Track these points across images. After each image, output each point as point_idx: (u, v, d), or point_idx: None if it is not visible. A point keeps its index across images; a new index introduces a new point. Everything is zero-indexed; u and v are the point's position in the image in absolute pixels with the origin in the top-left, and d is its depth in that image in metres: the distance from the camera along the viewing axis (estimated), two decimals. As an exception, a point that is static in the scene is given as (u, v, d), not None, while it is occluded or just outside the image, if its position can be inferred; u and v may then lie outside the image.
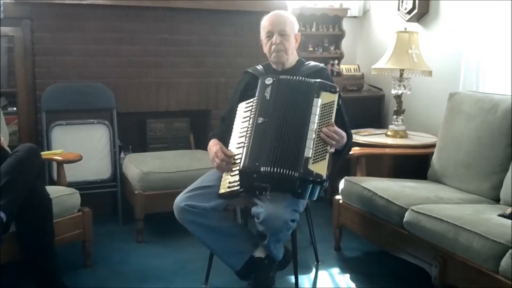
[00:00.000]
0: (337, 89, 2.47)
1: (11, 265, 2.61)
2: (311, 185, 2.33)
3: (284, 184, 2.35)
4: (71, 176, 3.28)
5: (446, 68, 3.85)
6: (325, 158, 2.35)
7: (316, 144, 2.35)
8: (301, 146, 2.33)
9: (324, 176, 2.30)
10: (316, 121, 2.37)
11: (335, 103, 2.45)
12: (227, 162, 2.47)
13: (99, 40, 3.70)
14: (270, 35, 2.66)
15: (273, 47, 2.65)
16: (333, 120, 2.42)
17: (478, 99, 3.15)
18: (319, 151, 2.35)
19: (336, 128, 2.40)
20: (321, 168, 2.32)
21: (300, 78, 2.49)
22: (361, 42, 4.84)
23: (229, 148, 2.53)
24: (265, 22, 2.71)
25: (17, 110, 3.59)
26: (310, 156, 2.31)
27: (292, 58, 2.74)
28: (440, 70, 3.83)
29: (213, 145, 2.58)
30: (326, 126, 2.38)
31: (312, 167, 2.30)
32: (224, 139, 2.60)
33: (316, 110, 2.39)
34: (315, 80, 2.48)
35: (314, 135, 2.35)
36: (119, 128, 3.77)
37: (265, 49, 2.73)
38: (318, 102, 2.40)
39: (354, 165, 3.49)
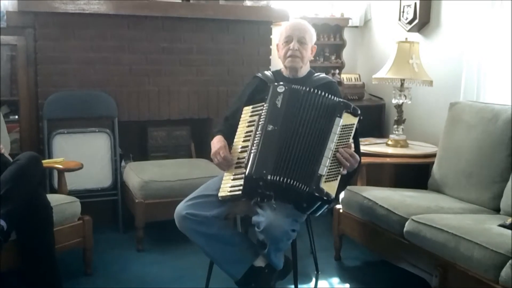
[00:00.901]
0: (359, 112, 2.43)
1: (11, 273, 2.62)
2: (319, 203, 2.32)
3: (288, 195, 2.35)
4: (72, 184, 3.29)
5: (446, 78, 3.85)
6: (336, 179, 2.35)
7: (331, 163, 2.34)
8: (316, 162, 2.32)
9: (333, 196, 2.31)
10: (335, 141, 2.35)
11: (355, 126, 2.43)
12: (227, 161, 2.47)
13: (100, 48, 3.72)
14: (289, 40, 2.66)
15: (289, 52, 2.65)
16: (350, 142, 2.42)
17: (479, 109, 3.15)
18: (333, 171, 2.34)
19: (352, 151, 2.40)
20: (331, 188, 2.32)
21: (315, 90, 2.46)
22: (362, 51, 4.86)
23: (232, 150, 2.53)
24: (285, 28, 2.72)
25: (19, 118, 3.60)
26: (324, 174, 2.31)
27: (305, 68, 2.74)
28: (441, 79, 3.84)
29: (217, 141, 2.56)
30: (343, 148, 2.37)
31: (324, 185, 2.30)
32: (227, 139, 2.59)
33: (337, 130, 2.36)
34: (339, 99, 2.46)
35: (330, 154, 2.34)
36: (120, 136, 3.78)
37: (280, 54, 2.72)
38: (340, 122, 2.37)
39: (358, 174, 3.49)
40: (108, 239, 3.56)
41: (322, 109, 2.41)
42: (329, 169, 2.33)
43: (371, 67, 4.47)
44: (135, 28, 3.79)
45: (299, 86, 2.48)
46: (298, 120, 2.40)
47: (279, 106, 2.43)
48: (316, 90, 2.45)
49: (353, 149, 2.43)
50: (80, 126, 3.67)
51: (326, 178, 2.31)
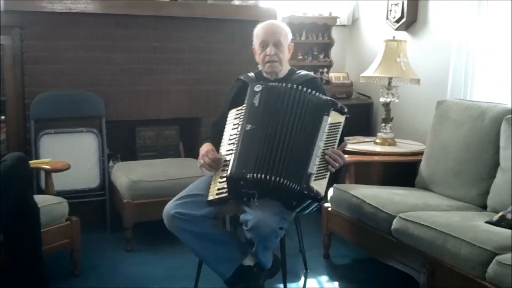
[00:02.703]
0: (346, 110, 2.46)
1: (-2, 274, 2.60)
2: (309, 201, 2.34)
3: (278, 193, 2.36)
4: (59, 185, 3.27)
5: (434, 76, 3.88)
6: (325, 177, 2.37)
7: (319, 162, 2.35)
8: (306, 161, 2.34)
9: (322, 194, 2.32)
10: (324, 139, 2.37)
11: (342, 125, 2.45)
12: (215, 163, 2.47)
13: (89, 47, 3.70)
14: (264, 45, 2.66)
15: (267, 57, 2.65)
16: (337, 141, 2.43)
17: (465, 106, 3.17)
18: (322, 170, 2.36)
19: (340, 152, 2.41)
20: (321, 186, 2.33)
21: (293, 86, 2.48)
22: (350, 50, 4.87)
23: (219, 153, 2.53)
24: (259, 31, 2.71)
25: (6, 118, 3.57)
26: (313, 172, 2.32)
27: (285, 67, 2.75)
28: (428, 78, 3.86)
29: (205, 146, 2.59)
30: (331, 147, 2.38)
31: (314, 184, 2.31)
32: (216, 145, 2.60)
33: (325, 128, 2.39)
34: (327, 97, 2.48)
35: (320, 153, 2.35)
36: (108, 136, 3.76)
37: (258, 58, 2.73)
38: (328, 120, 2.40)
39: (343, 173, 3.50)
40: (96, 239, 3.54)
41: (309, 107, 2.43)
42: (318, 167, 2.34)
43: (359, 66, 4.49)
44: (124, 28, 3.77)
45: (278, 83, 2.50)
46: (280, 116, 2.41)
47: (256, 105, 2.45)
48: (298, 87, 2.47)
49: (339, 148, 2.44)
50: (68, 126, 3.65)
51: (315, 177, 2.32)
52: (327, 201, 3.23)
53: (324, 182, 2.36)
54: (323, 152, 2.37)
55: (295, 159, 2.35)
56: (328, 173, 2.38)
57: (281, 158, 2.35)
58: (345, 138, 3.85)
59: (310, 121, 2.40)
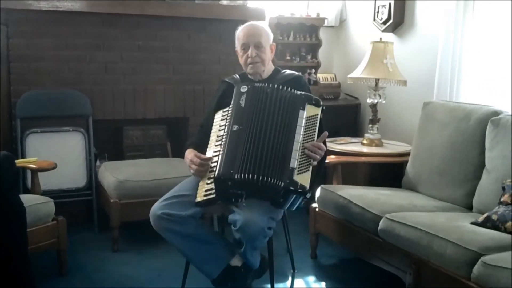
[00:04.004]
0: (321, 103, 2.51)
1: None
2: (294, 196, 2.35)
3: (264, 192, 2.37)
4: (46, 185, 3.25)
5: (420, 78, 3.91)
6: (308, 170, 2.38)
7: (300, 156, 2.37)
8: (286, 156, 2.35)
9: (308, 187, 2.33)
10: (302, 133, 2.40)
11: (319, 117, 2.48)
12: (204, 166, 2.47)
13: (74, 46, 3.67)
14: (245, 47, 2.68)
15: (249, 59, 2.67)
16: (316, 133, 2.45)
17: (451, 108, 3.20)
18: (303, 163, 2.37)
19: (319, 143, 2.43)
20: (304, 179, 2.34)
21: (275, 85, 2.51)
22: (337, 51, 4.89)
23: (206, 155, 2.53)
24: (239, 34, 2.73)
25: (-9, 117, 3.55)
26: (295, 167, 2.34)
27: (268, 68, 2.76)
28: (415, 79, 3.90)
29: (188, 153, 2.59)
30: (309, 142, 2.40)
31: (297, 178, 2.32)
32: (201, 148, 2.60)
33: (302, 122, 2.42)
34: (300, 92, 2.51)
35: (299, 147, 2.37)
36: (95, 136, 3.74)
37: (241, 61, 2.74)
38: (304, 114, 2.43)
39: (331, 173, 3.52)
40: (83, 239, 3.52)
41: (286, 104, 2.46)
42: (299, 161, 2.36)
43: (347, 67, 4.51)
44: (111, 26, 3.76)
45: (263, 84, 2.53)
46: (265, 116, 2.43)
47: (243, 105, 2.47)
48: (280, 86, 2.50)
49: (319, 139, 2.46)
50: (54, 125, 3.63)
51: (298, 171, 2.34)
52: (313, 194, 3.23)
53: (308, 175, 2.37)
54: (302, 146, 2.39)
55: (277, 157, 2.36)
56: (311, 166, 2.40)
57: (266, 157, 2.36)
58: (333, 138, 3.93)
59: (288, 118, 2.43)
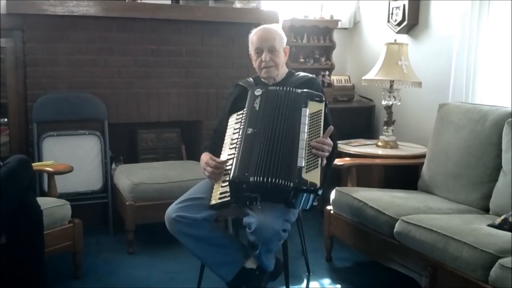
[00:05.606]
0: (323, 98, 2.52)
1: (0, 277, 2.59)
2: (305, 194, 2.34)
3: (276, 194, 2.36)
4: (62, 187, 3.27)
5: (435, 79, 3.88)
6: (317, 167, 2.36)
7: (307, 153, 2.37)
8: (293, 156, 2.35)
9: (318, 185, 2.32)
10: (306, 131, 2.40)
11: (323, 112, 2.49)
12: (219, 169, 2.48)
13: (88, 50, 3.71)
14: (259, 51, 2.68)
15: (263, 64, 2.67)
16: (321, 129, 2.45)
17: (467, 110, 3.18)
18: (311, 160, 2.37)
19: (324, 139, 2.42)
20: (314, 177, 2.33)
21: (288, 88, 2.53)
22: (351, 53, 4.88)
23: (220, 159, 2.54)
24: (253, 38, 2.73)
25: (8, 121, 3.58)
26: (303, 165, 2.33)
27: (282, 71, 2.76)
28: (430, 81, 3.87)
29: (204, 156, 2.60)
30: (314, 139, 2.40)
31: (306, 176, 2.31)
32: (215, 151, 2.61)
33: (305, 120, 2.43)
34: (301, 90, 2.52)
35: (305, 145, 2.37)
36: (110, 139, 3.76)
37: (255, 65, 2.74)
38: (306, 112, 2.45)
39: (345, 176, 3.51)
40: (98, 242, 3.54)
41: (292, 105, 2.48)
42: (307, 159, 2.35)
43: (361, 69, 4.49)
44: (124, 30, 3.79)
45: (277, 87, 2.54)
46: (275, 119, 2.45)
47: (257, 109, 2.49)
48: (288, 88, 2.52)
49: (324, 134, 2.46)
50: (70, 128, 3.66)
51: (306, 169, 2.33)
52: (327, 195, 3.22)
53: (317, 172, 2.35)
54: (309, 143, 2.38)
55: (285, 158, 2.36)
56: (319, 163, 2.38)
57: (276, 159, 2.36)
58: (347, 140, 3.92)
59: (293, 117, 2.44)
